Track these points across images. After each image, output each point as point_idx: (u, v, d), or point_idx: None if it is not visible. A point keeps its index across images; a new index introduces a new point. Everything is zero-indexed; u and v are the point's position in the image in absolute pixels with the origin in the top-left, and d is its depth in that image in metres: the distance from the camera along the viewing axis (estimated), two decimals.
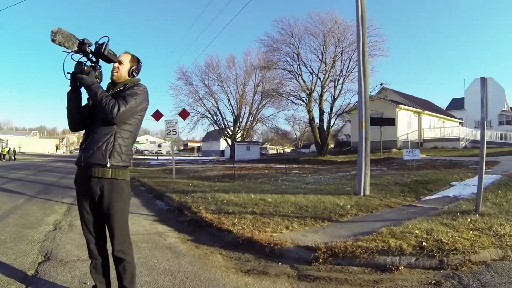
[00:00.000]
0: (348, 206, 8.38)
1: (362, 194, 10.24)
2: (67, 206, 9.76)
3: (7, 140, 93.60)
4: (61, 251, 5.66)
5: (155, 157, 67.53)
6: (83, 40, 3.22)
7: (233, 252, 5.75)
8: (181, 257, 5.50)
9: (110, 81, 3.59)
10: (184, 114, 22.60)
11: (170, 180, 17.57)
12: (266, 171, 23.04)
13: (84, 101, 3.50)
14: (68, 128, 3.96)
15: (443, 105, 63.14)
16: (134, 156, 50.45)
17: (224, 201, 9.56)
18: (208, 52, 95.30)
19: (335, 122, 46.38)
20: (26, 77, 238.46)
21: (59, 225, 7.52)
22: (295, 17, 56.60)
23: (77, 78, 3.23)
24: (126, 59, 3.58)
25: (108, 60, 3.44)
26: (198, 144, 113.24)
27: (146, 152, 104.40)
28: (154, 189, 13.97)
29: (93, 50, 3.33)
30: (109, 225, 3.34)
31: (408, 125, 41.35)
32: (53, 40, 3.05)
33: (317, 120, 42.79)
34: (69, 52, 3.20)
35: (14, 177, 20.69)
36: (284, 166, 22.48)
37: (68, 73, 3.29)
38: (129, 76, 3.60)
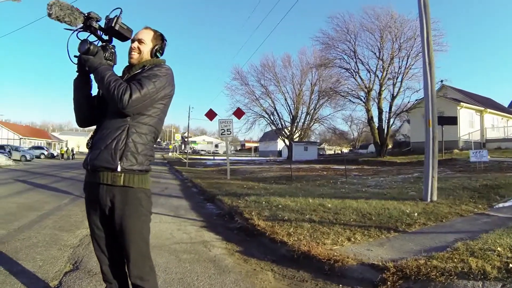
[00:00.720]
0: (415, 214, 7.39)
1: (429, 199, 9.13)
2: None
3: (66, 140, 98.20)
4: (91, 260, 5.09)
5: (212, 157, 67.94)
6: (89, 13, 2.54)
7: (286, 269, 4.92)
8: (225, 274, 4.73)
9: (127, 65, 2.87)
10: (239, 113, 21.99)
11: (223, 182, 16.98)
12: (325, 173, 22.18)
13: (95, 90, 2.80)
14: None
15: (506, 103, 59.81)
16: (190, 157, 51.20)
17: (280, 206, 8.76)
18: (263, 52, 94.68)
19: (393, 122, 44.82)
20: None
21: None
22: (350, 13, 55.21)
23: (82, 60, 2.55)
24: (147, 37, 2.84)
25: (122, 37, 2.74)
26: (255, 145, 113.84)
27: (202, 152, 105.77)
28: (206, 191, 13.42)
29: (102, 26, 2.65)
30: (124, 246, 2.60)
31: (469, 124, 39.08)
32: (49, 15, 2.39)
33: (375, 119, 41.57)
34: (74, 30, 2.54)
35: (65, 176, 21.04)
36: (342, 167, 21.68)
37: (75, 56, 2.60)
38: (151, 57, 2.87)
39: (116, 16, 2.62)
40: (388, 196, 10.17)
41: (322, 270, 4.69)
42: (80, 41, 2.55)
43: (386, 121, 40.73)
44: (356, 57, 41.76)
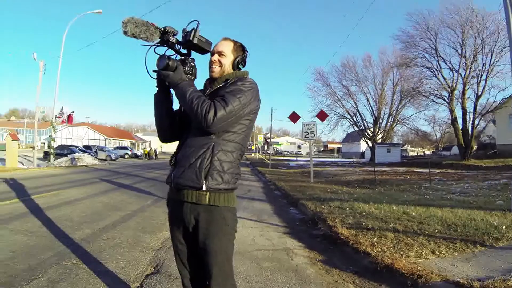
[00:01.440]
0: (504, 227, 6.89)
1: None
2: None
3: (149, 141, 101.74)
4: (173, 264, 5.10)
5: (294, 158, 67.81)
6: (165, 28, 2.42)
7: (368, 282, 4.80)
8: (307, 286, 4.67)
9: (208, 77, 2.76)
10: (322, 115, 21.71)
11: (307, 185, 16.84)
12: (408, 177, 21.59)
13: (176, 105, 2.72)
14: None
15: None
16: (272, 157, 51.25)
17: (363, 213, 8.59)
18: (342, 52, 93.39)
19: (478, 123, 42.50)
20: None
21: None
22: (429, 9, 53.01)
23: (162, 76, 2.46)
24: (227, 49, 2.69)
25: (201, 50, 2.60)
26: (338, 146, 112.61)
27: (285, 153, 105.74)
28: (289, 194, 13.40)
29: (180, 40, 2.54)
30: (206, 264, 2.49)
31: None
32: (125, 32, 2.31)
33: (459, 120, 39.59)
34: (151, 46, 2.47)
35: (149, 176, 21.62)
36: (426, 170, 21.00)
37: (154, 71, 2.53)
38: (233, 70, 2.71)
39: (193, 29, 2.49)
40: (474, 205, 9.69)
41: (404, 285, 4.52)
42: (158, 56, 2.45)
43: (471, 122, 38.66)
44: (438, 55, 40.20)
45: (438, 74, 40.70)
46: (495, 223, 7.24)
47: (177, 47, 2.53)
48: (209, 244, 2.45)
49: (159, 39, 2.42)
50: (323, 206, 9.69)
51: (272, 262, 5.55)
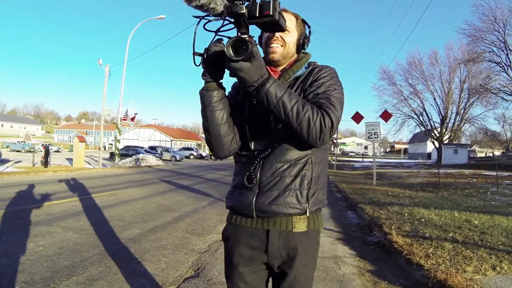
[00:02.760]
0: None
1: None
2: None
3: None
4: (214, 268, 5.11)
5: (360, 159, 66.70)
6: None
7: None
8: None
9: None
10: (386, 116, 20.72)
11: (368, 187, 16.29)
12: (474, 180, 20.28)
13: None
14: None
15: None
16: (338, 158, 50.63)
17: (422, 219, 7.99)
18: (407, 49, 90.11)
19: None
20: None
21: None
22: None
23: (233, 69, 1.54)
24: (290, 24, 1.93)
25: (275, 28, 1.62)
26: (405, 146, 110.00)
27: (351, 154, 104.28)
28: (349, 197, 12.93)
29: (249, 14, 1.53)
30: None
31: None
32: (189, 1, 1.43)
33: None
34: (202, 17, 1.58)
35: (210, 177, 21.61)
36: (494, 173, 19.73)
37: (202, 54, 1.66)
38: (297, 52, 2.01)
39: None
40: None
41: None
42: (230, 40, 1.52)
43: None
44: (507, 49, 37.58)
45: (507, 69, 38.23)
46: None
47: (243, 23, 1.55)
48: (298, 275, 1.86)
49: (223, 9, 1.51)
50: (381, 211, 9.20)
51: (317, 271, 5.09)
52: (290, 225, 1.81)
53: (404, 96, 53.61)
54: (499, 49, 38.59)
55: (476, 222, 7.66)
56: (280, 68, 1.99)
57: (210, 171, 28.33)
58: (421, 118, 53.65)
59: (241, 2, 1.51)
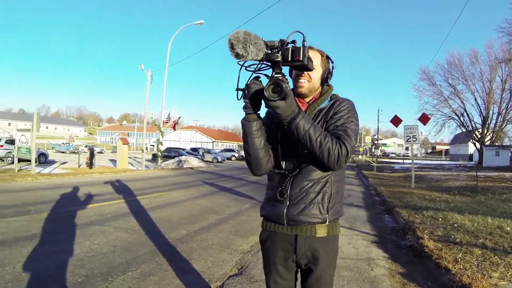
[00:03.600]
0: None
1: None
2: None
3: None
4: (256, 267, 5.48)
5: (401, 161, 65.52)
6: (273, 44, 1.87)
7: None
8: None
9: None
10: (424, 119, 20.57)
11: (407, 190, 16.25)
12: None
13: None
14: None
15: None
16: (379, 160, 50.03)
17: (455, 224, 8.13)
18: (446, 48, 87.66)
19: None
20: None
21: None
22: None
23: (271, 107, 1.91)
24: (316, 61, 2.24)
25: (303, 69, 2.07)
26: (446, 147, 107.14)
27: (392, 155, 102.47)
28: (387, 201, 13.02)
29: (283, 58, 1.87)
30: None
31: None
32: (240, 56, 1.79)
33: None
34: (244, 62, 1.92)
35: (251, 179, 21.54)
36: None
37: (243, 90, 2.00)
38: (321, 86, 2.33)
39: (304, 46, 1.88)
40: None
41: None
42: (268, 83, 1.87)
43: None
44: None
45: None
46: None
47: (279, 66, 1.91)
48: (322, 275, 2.30)
49: (263, 56, 1.86)
50: (416, 216, 9.34)
51: (351, 272, 5.49)
52: (314, 231, 2.23)
53: (444, 97, 52.38)
54: None
55: (508, 228, 7.73)
56: (307, 100, 2.33)
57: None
58: (461, 119, 52.28)
59: (276, 51, 1.87)
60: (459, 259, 5.63)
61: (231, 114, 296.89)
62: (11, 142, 23.79)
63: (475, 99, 51.70)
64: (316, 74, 2.27)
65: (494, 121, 52.21)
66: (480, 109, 51.75)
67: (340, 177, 2.32)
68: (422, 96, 54.02)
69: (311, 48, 2.28)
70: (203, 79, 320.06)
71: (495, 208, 10.88)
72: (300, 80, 2.25)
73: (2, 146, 24.49)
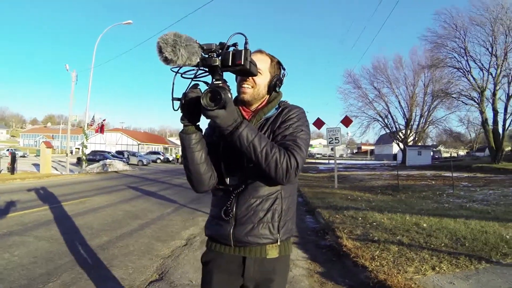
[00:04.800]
0: None
1: None
2: None
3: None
4: (177, 272, 5.50)
5: (326, 161, 67.24)
6: (210, 47, 1.67)
7: None
8: None
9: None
10: (346, 121, 21.01)
11: (330, 191, 16.62)
12: (433, 182, 20.95)
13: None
14: None
15: None
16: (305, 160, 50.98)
17: (374, 223, 8.36)
18: (372, 53, 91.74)
19: (510, 124, 40.71)
20: None
21: (191, 240, 7.42)
22: (457, 7, 49.30)
23: (209, 117, 1.69)
24: (263, 65, 2.07)
25: (246, 74, 1.93)
26: (371, 148, 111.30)
27: (318, 156, 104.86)
28: (309, 201, 13.17)
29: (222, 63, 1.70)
30: None
31: None
32: (168, 61, 1.57)
33: (490, 122, 38.38)
34: (179, 68, 1.71)
35: (175, 182, 21.75)
36: (454, 174, 20.31)
37: (180, 99, 1.78)
38: (269, 93, 2.14)
39: (246, 48, 1.70)
40: (491, 216, 9.28)
41: None
42: (205, 91, 1.67)
43: (502, 123, 37.42)
44: (467, 55, 38.96)
45: (467, 74, 39.53)
46: (507, 236, 6.88)
47: (219, 71, 1.73)
48: None
49: (198, 62, 1.67)
50: (337, 216, 9.51)
51: None
52: (264, 253, 2.02)
53: (369, 99, 54.83)
54: (459, 55, 39.95)
55: (424, 225, 8.05)
56: (252, 108, 2.15)
57: (176, 176, 28.31)
58: (386, 120, 54.90)
59: (214, 55, 1.68)
60: (376, 257, 5.77)
61: (157, 116, 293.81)
62: None
63: (399, 102, 54.86)
64: (263, 80, 2.08)
65: (416, 123, 55.71)
66: (404, 111, 54.78)
67: (291, 192, 2.12)
68: (348, 98, 56.12)
69: (260, 51, 2.15)
70: (130, 80, 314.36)
71: (413, 206, 11.38)
72: (243, 86, 2.06)
73: None
